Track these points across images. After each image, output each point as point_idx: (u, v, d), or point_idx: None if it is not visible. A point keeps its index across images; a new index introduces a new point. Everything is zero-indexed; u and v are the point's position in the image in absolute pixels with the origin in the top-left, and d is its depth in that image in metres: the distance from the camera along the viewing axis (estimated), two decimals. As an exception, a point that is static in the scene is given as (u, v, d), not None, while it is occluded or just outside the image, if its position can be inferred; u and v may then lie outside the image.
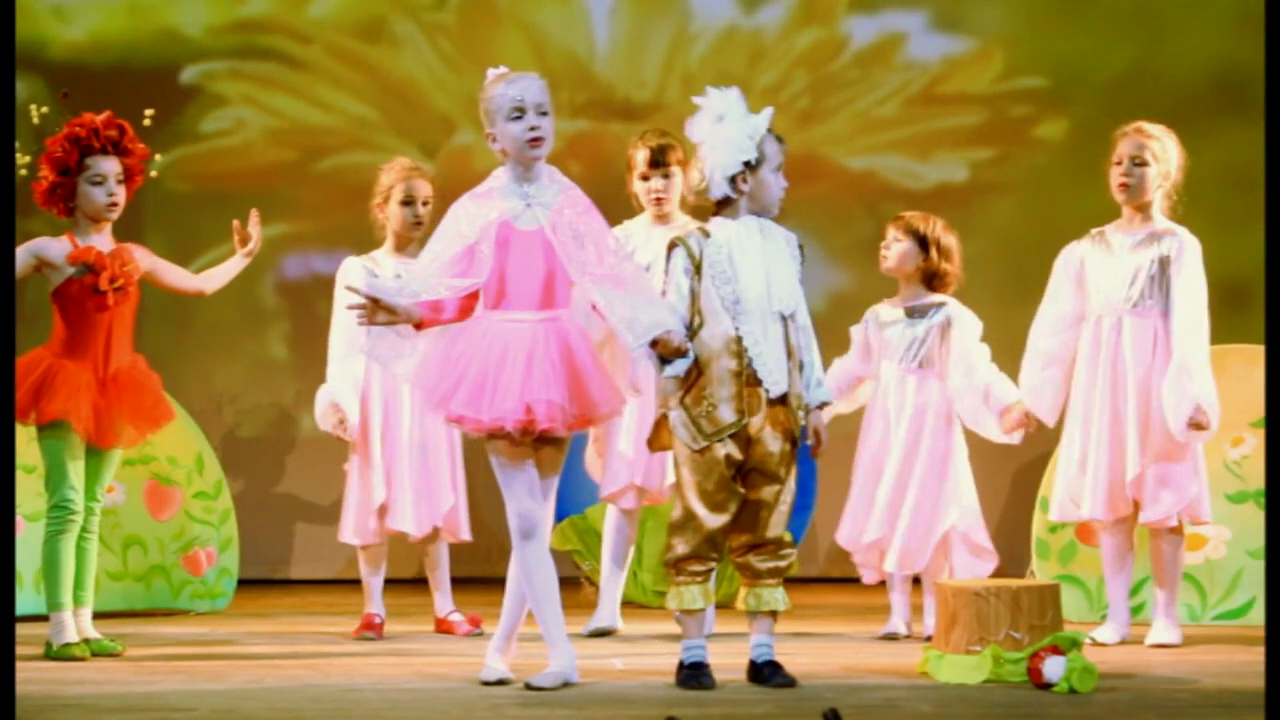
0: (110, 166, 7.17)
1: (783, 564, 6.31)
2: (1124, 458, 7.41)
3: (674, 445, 6.28)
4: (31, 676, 6.43)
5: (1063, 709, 5.78)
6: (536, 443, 6.19)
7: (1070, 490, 7.55)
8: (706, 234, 6.32)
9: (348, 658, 7.08)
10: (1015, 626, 6.31)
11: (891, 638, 7.68)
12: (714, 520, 6.23)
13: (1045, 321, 7.65)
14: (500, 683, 6.25)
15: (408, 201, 7.86)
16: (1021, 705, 5.87)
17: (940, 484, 7.65)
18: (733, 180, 6.28)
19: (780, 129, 6.42)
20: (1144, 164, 7.50)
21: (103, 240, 7.21)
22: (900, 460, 7.65)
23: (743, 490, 6.25)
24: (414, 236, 7.87)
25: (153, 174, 7.41)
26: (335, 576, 9.77)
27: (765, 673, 6.26)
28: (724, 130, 6.28)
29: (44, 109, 7.74)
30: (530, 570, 6.20)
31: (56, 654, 7.06)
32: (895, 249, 7.78)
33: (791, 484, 6.28)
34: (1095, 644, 7.34)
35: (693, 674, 6.23)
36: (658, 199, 7.81)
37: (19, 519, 8.10)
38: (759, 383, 6.22)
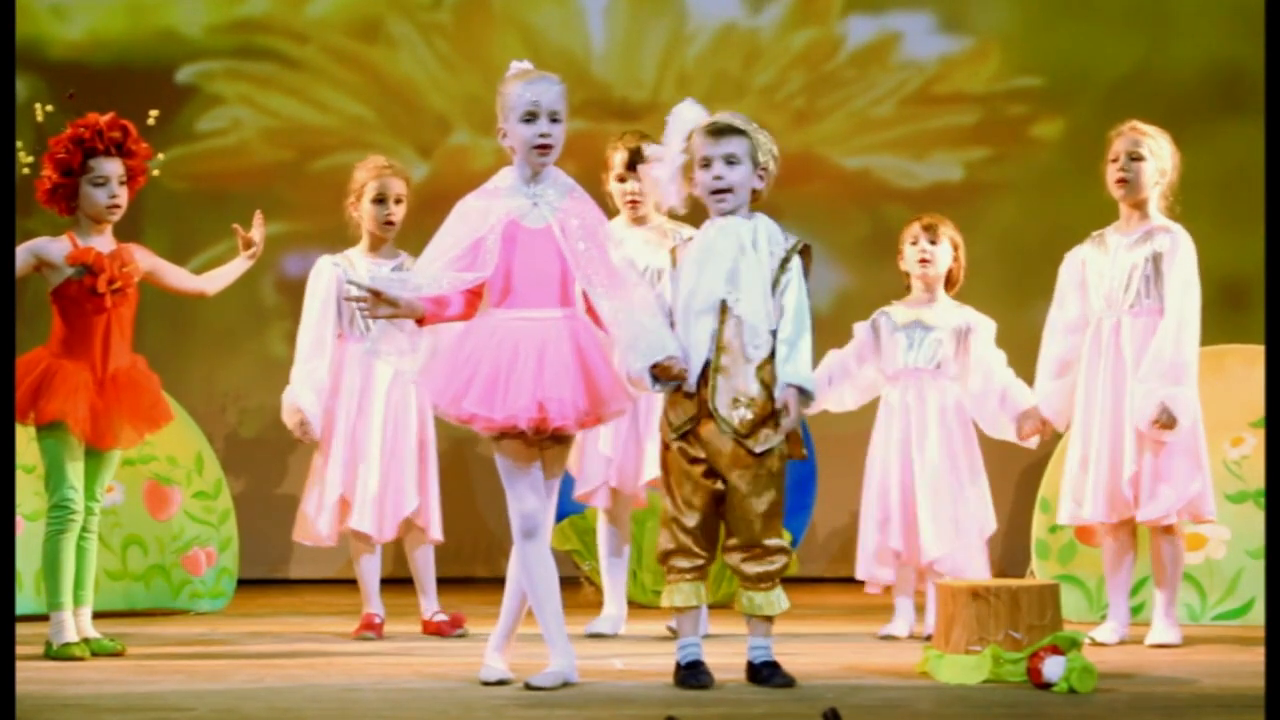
0: (113, 168, 7.17)
1: (773, 568, 6.26)
2: (1123, 458, 7.42)
3: None
4: (31, 676, 6.42)
5: (1062, 709, 5.77)
6: (544, 441, 6.18)
7: (1074, 492, 7.55)
8: (689, 240, 6.41)
9: (348, 658, 7.08)
10: (1015, 626, 6.31)
11: (892, 638, 7.69)
12: (685, 517, 6.24)
13: (1054, 328, 7.65)
14: (500, 683, 6.24)
15: (380, 199, 7.82)
16: (1021, 705, 5.86)
17: (962, 490, 7.65)
18: (677, 187, 6.32)
19: (776, 128, 6.41)
20: (1140, 159, 7.51)
21: (103, 241, 7.20)
22: (922, 466, 7.66)
23: (717, 487, 6.23)
24: (386, 236, 7.84)
25: (154, 173, 7.40)
26: (335, 576, 9.76)
27: (764, 673, 6.26)
28: (666, 144, 6.33)
29: (49, 107, 7.73)
30: (531, 570, 6.19)
31: (56, 654, 7.05)
32: (941, 254, 7.76)
33: (759, 485, 6.20)
34: (1095, 644, 7.34)
35: (690, 673, 6.23)
36: (632, 201, 7.81)
37: (19, 519, 8.09)
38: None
